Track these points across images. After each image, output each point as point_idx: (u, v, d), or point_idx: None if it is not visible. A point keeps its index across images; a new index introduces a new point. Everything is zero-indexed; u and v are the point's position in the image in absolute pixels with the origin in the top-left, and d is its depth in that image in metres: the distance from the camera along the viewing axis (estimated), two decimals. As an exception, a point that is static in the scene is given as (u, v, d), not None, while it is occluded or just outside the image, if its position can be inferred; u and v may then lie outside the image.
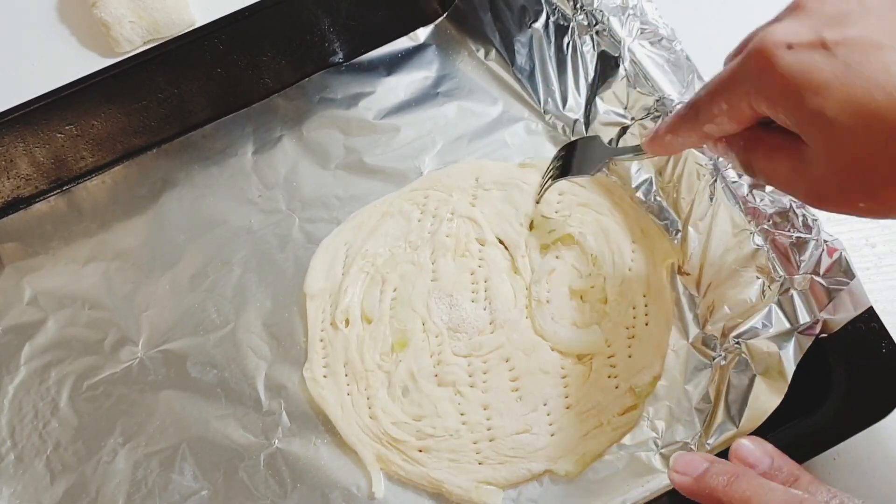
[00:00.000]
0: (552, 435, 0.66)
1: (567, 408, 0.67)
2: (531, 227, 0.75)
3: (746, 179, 0.65)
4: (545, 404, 0.67)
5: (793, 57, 0.41)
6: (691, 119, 0.51)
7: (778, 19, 0.45)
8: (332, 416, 0.69)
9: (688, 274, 0.70)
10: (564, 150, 0.73)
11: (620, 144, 0.75)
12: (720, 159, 0.66)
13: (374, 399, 0.69)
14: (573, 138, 0.74)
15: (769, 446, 0.53)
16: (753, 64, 0.43)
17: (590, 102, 0.78)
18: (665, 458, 0.64)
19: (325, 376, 0.71)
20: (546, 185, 0.73)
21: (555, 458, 0.65)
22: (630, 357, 0.68)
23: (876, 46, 0.40)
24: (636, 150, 0.64)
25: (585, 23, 0.76)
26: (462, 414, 0.68)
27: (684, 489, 0.52)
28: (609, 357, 0.68)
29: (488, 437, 0.67)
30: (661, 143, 0.57)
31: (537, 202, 0.75)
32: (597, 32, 0.75)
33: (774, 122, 0.46)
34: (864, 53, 0.40)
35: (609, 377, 0.68)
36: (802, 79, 0.41)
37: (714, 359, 0.66)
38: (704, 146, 0.56)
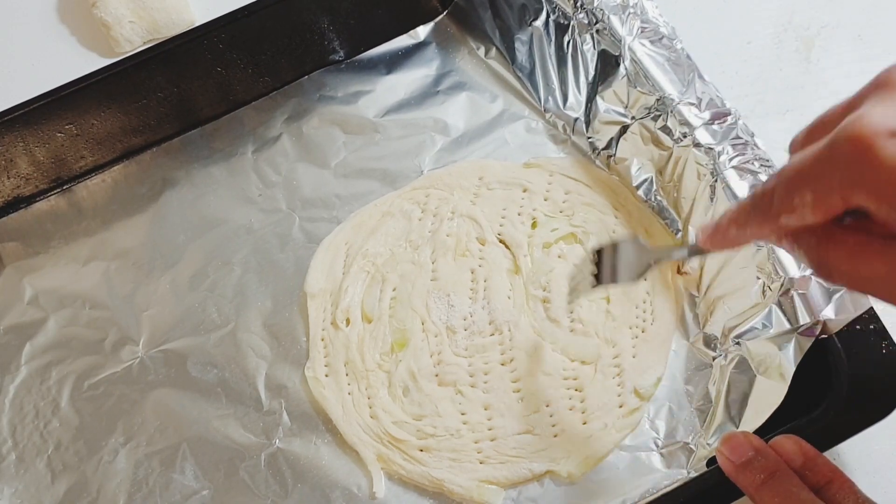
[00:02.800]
0: (555, 436, 0.66)
1: (570, 409, 0.67)
2: (534, 225, 0.75)
3: (748, 180, 0.64)
4: (548, 405, 0.67)
5: None
6: (763, 210, 0.45)
7: (864, 99, 0.41)
8: (333, 415, 0.69)
9: (688, 274, 0.70)
10: (598, 252, 0.62)
11: (620, 145, 0.75)
12: (720, 160, 0.66)
13: (375, 399, 0.69)
14: (615, 240, 0.62)
15: (807, 445, 0.55)
16: (849, 152, 0.38)
17: (590, 101, 0.78)
18: (665, 458, 0.65)
19: (326, 375, 0.71)
20: (579, 294, 0.64)
21: (557, 459, 0.65)
22: (634, 357, 0.68)
23: None
24: (689, 249, 0.57)
25: (586, 21, 0.76)
26: (463, 414, 0.68)
27: (726, 473, 0.55)
28: (614, 357, 0.68)
29: (489, 437, 0.67)
30: (724, 237, 0.50)
31: (570, 310, 0.70)
32: (597, 31, 0.75)
33: (849, 219, 0.43)
34: None
35: (614, 378, 0.68)
36: None
37: (714, 359, 0.66)
38: (768, 241, 0.49)
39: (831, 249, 0.43)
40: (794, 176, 0.42)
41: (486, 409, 0.68)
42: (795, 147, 0.46)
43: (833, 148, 0.39)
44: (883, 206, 0.38)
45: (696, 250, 0.54)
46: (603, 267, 0.62)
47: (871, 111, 0.38)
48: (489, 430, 0.67)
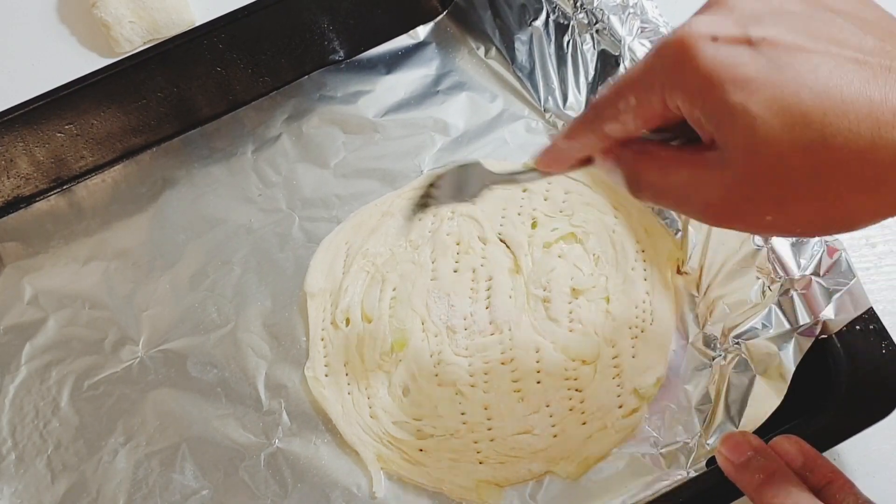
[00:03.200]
0: (554, 436, 0.66)
1: (570, 410, 0.67)
2: (534, 225, 0.75)
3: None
4: (548, 405, 0.67)
5: (716, 49, 0.39)
6: (591, 119, 0.47)
7: (697, 15, 0.43)
8: (333, 415, 0.69)
9: (687, 274, 0.70)
10: (440, 176, 0.63)
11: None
12: None
13: (375, 398, 0.69)
14: (450, 167, 0.63)
15: (806, 446, 0.55)
16: (672, 54, 0.40)
17: (590, 101, 0.78)
18: (665, 457, 0.65)
19: (326, 375, 0.71)
20: (417, 214, 0.64)
21: (556, 460, 0.65)
22: (634, 357, 0.68)
23: (800, 48, 0.38)
24: (523, 172, 0.57)
25: (585, 21, 0.76)
26: (462, 414, 0.68)
27: (725, 473, 0.55)
28: (613, 357, 0.68)
29: (489, 437, 0.67)
30: (555, 153, 0.51)
31: (407, 225, 0.72)
32: (597, 31, 0.75)
33: (670, 139, 0.45)
34: (790, 54, 0.38)
35: (614, 378, 0.68)
36: (726, 72, 0.39)
37: (714, 359, 0.66)
38: (595, 163, 0.50)
39: (645, 161, 0.45)
40: (622, 81, 0.44)
41: (485, 409, 0.68)
42: None
43: (658, 51, 0.42)
44: (696, 108, 0.40)
45: (536, 173, 0.54)
46: (443, 187, 0.62)
47: (698, 19, 0.41)
48: (488, 430, 0.67)
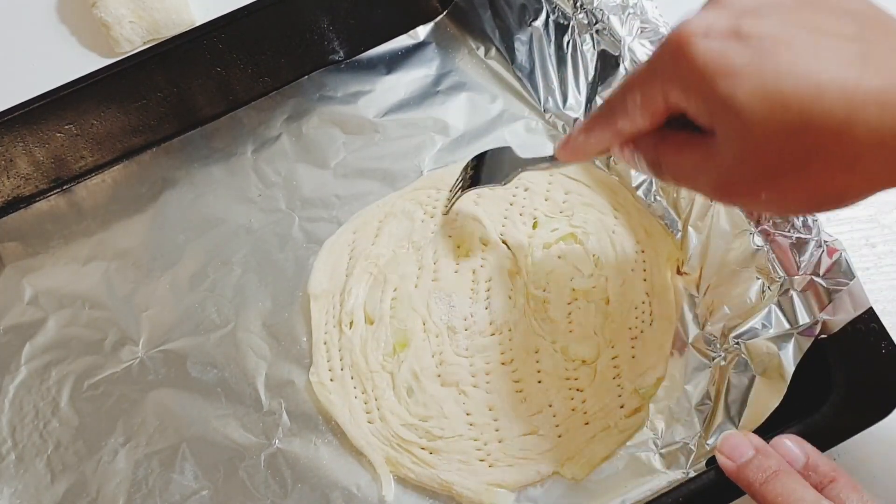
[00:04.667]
0: (559, 436, 0.66)
1: (573, 410, 0.67)
2: (535, 225, 0.75)
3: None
4: (550, 406, 0.67)
5: (707, 44, 0.42)
6: (605, 116, 0.51)
7: (698, 13, 0.46)
8: (341, 420, 0.69)
9: (687, 274, 0.70)
10: (475, 160, 0.72)
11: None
12: None
13: (382, 400, 0.69)
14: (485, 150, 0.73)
15: (808, 446, 0.55)
16: (669, 52, 0.44)
17: (590, 101, 0.78)
18: (665, 457, 0.65)
19: (331, 380, 0.71)
20: (456, 197, 0.74)
21: (562, 460, 0.65)
22: (634, 357, 0.68)
23: (784, 40, 0.41)
24: (549, 160, 0.64)
25: (585, 21, 0.76)
26: (468, 414, 0.68)
27: (727, 473, 0.55)
28: (613, 358, 0.68)
29: (497, 439, 0.67)
30: (573, 146, 0.56)
31: (445, 213, 0.75)
32: (597, 31, 0.75)
33: (681, 122, 0.47)
34: (774, 45, 0.41)
35: (614, 378, 0.68)
36: (715, 64, 0.42)
37: (714, 359, 0.66)
38: (614, 156, 0.55)
39: (662, 146, 0.49)
40: (629, 80, 0.48)
41: (490, 410, 0.68)
42: None
43: (659, 51, 0.45)
44: (691, 99, 0.44)
45: (556, 162, 0.61)
46: (478, 172, 0.71)
47: (694, 17, 0.44)
48: (496, 430, 0.67)
